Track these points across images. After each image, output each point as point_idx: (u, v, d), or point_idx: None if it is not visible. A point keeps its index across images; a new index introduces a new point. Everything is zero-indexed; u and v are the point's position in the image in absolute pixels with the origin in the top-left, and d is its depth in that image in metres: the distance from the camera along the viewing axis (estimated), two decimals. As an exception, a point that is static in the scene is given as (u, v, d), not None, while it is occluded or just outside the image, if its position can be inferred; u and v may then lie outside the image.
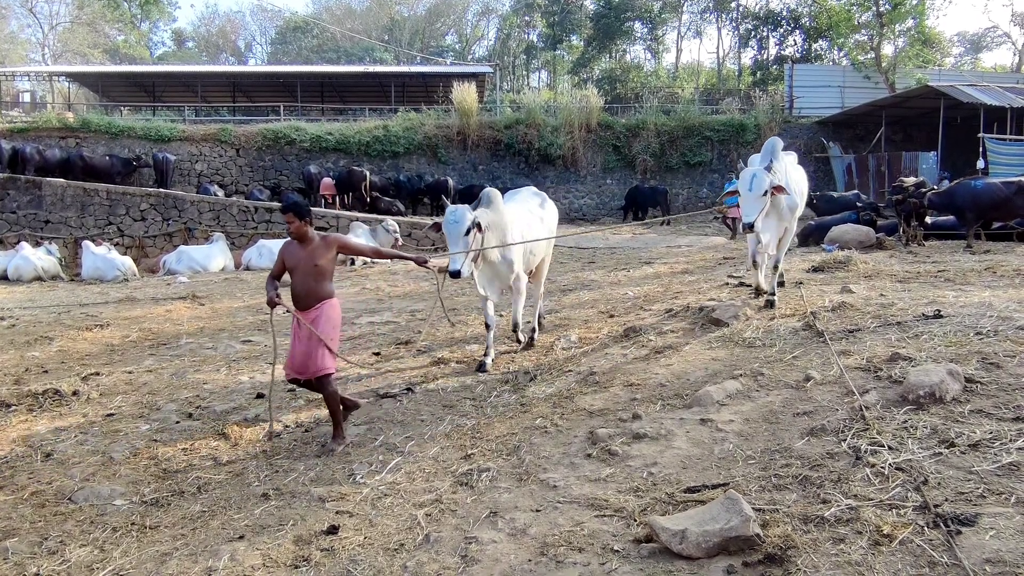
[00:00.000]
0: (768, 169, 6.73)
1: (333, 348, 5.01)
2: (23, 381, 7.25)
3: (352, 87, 34.60)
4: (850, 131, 27.17)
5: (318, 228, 18.86)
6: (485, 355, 6.85)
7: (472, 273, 6.53)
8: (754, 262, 7.40)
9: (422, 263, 5.77)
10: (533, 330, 7.54)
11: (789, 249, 8.85)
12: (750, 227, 6.58)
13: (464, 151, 26.32)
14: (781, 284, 7.79)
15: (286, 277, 5.15)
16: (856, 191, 17.85)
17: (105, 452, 5.23)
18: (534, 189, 8.02)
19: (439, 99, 28.00)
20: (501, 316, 8.53)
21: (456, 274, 6.03)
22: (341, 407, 5.19)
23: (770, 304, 7.14)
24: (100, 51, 46.20)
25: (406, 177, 24.50)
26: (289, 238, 5.16)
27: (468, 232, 6.15)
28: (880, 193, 21.41)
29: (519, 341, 7.39)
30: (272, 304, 5.01)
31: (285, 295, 5.07)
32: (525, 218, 7.15)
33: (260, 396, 6.48)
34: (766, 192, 6.50)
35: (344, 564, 3.35)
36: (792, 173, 7.37)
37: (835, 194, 18.09)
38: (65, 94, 35.45)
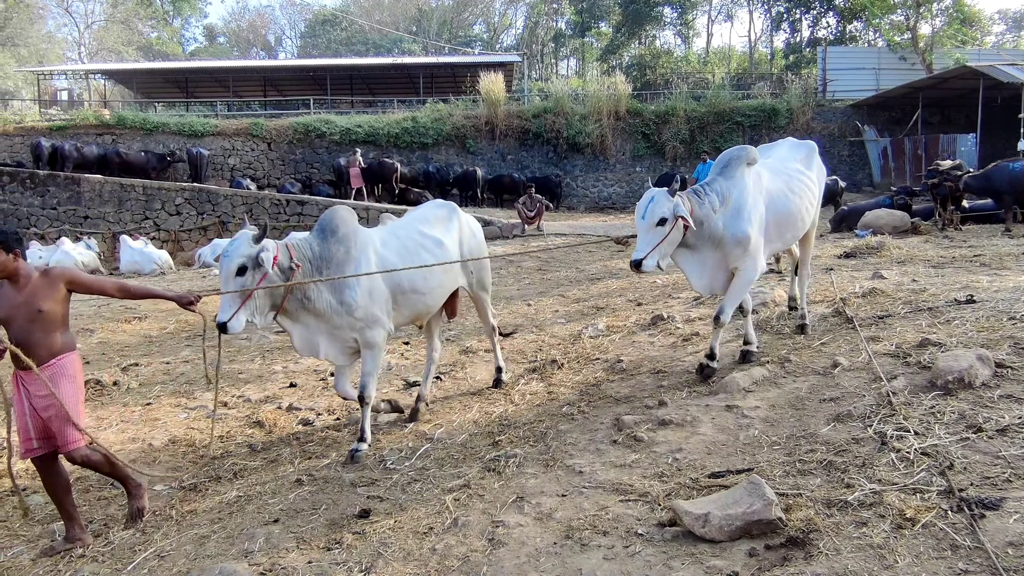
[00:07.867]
0: (701, 193, 4.99)
1: (76, 418, 3.88)
2: (66, 372, 7.49)
3: (381, 79, 34.76)
4: (886, 114, 26.61)
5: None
6: (360, 439, 4.80)
7: (288, 328, 4.80)
8: (716, 317, 5.21)
9: (186, 305, 4.29)
10: (419, 399, 5.55)
11: (820, 235, 8.51)
12: (637, 265, 4.71)
13: (492, 141, 26.31)
14: (748, 346, 5.43)
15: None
16: (835, 177, 17.33)
17: (145, 439, 5.42)
18: (442, 202, 5.85)
19: (467, 89, 28.00)
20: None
21: (222, 328, 4.36)
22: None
23: (703, 371, 5.22)
24: (134, 48, 47.01)
25: (435, 168, 24.59)
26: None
27: (242, 272, 4.33)
28: (916, 177, 20.98)
29: (376, 412, 5.33)
30: None
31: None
32: (396, 248, 5.10)
33: (293, 385, 6.64)
34: (663, 221, 4.70)
35: (375, 547, 3.44)
36: (776, 182, 5.39)
37: None
38: (101, 91, 36.12)
